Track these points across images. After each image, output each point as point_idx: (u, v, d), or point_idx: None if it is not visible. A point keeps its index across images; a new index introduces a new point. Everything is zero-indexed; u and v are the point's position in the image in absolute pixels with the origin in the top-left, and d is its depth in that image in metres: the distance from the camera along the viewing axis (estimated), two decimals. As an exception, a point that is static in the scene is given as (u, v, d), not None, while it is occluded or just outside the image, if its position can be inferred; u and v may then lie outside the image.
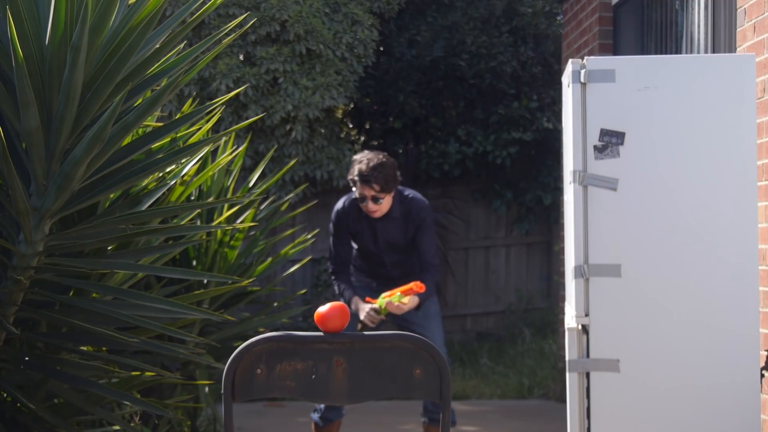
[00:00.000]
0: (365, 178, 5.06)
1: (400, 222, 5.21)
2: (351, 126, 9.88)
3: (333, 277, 5.32)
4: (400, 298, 5.01)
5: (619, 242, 3.81)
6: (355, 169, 5.11)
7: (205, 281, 4.58)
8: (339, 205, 5.30)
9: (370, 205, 5.12)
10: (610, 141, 3.81)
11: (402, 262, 5.28)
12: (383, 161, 5.09)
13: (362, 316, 5.05)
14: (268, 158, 5.28)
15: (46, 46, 3.15)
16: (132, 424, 4.04)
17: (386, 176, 5.07)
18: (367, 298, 5.15)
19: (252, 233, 5.07)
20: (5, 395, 3.61)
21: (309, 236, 5.63)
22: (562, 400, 6.29)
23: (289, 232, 5.69)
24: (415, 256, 5.27)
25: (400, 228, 5.21)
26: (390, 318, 5.28)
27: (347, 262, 5.33)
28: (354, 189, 5.17)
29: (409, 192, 5.29)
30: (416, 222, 5.20)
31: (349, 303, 5.16)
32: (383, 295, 5.06)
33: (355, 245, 5.34)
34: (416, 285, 5.01)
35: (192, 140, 3.67)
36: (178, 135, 3.52)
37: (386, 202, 5.15)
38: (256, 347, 2.65)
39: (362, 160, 5.12)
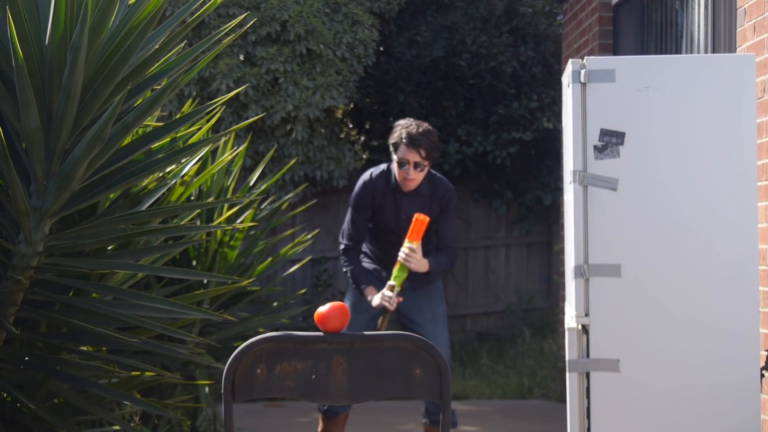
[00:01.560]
0: (415, 141, 4.90)
1: (427, 199, 5.06)
2: (351, 126, 9.88)
3: (344, 256, 5.15)
4: (408, 245, 4.87)
5: (619, 242, 3.81)
6: (403, 132, 4.94)
7: (205, 281, 4.58)
8: (366, 176, 5.13)
9: (411, 172, 4.96)
10: (610, 141, 3.81)
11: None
12: (430, 128, 4.98)
13: (376, 303, 4.94)
14: (268, 158, 5.27)
15: (46, 46, 3.15)
16: (132, 424, 4.04)
17: (433, 143, 4.95)
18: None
19: (252, 233, 5.07)
20: (5, 395, 3.61)
21: (309, 236, 5.63)
22: (562, 400, 6.29)
23: (289, 232, 5.69)
24: (431, 243, 5.13)
25: (425, 205, 5.05)
26: (396, 319, 5.22)
27: (361, 241, 5.19)
28: (394, 154, 5.00)
29: (436, 173, 5.16)
30: (442, 203, 5.08)
31: (357, 281, 5.05)
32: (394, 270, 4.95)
33: (371, 226, 5.19)
34: (418, 215, 4.89)
35: (192, 140, 3.67)
36: (178, 135, 3.52)
37: (423, 173, 5.00)
38: (256, 347, 2.65)
39: (409, 124, 4.97)
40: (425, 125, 4.98)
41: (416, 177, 4.98)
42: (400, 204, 5.08)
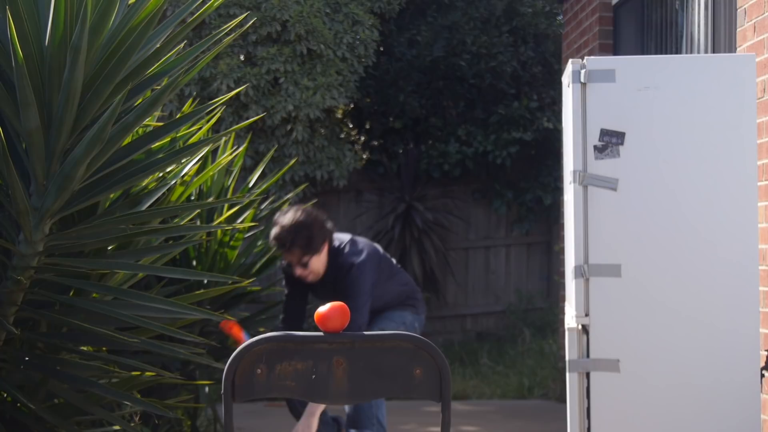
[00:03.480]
0: (282, 243, 4.51)
1: (336, 282, 4.67)
2: (351, 126, 9.88)
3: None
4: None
5: (619, 242, 3.81)
6: (271, 236, 4.56)
7: (205, 281, 4.58)
8: (284, 260, 4.80)
9: (299, 271, 4.62)
10: (610, 141, 3.81)
11: None
12: (301, 220, 4.49)
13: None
14: (268, 158, 5.27)
15: (46, 47, 3.15)
16: (132, 424, 4.04)
17: (308, 237, 4.49)
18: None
19: (252, 233, 5.07)
20: (5, 395, 3.61)
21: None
22: (562, 400, 6.29)
23: (289, 232, 5.67)
24: (376, 300, 4.73)
25: (338, 288, 4.65)
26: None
27: (297, 318, 4.86)
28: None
29: (346, 244, 4.70)
30: (344, 274, 4.62)
31: None
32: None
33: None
34: (223, 323, 4.37)
35: (192, 140, 3.67)
36: (178, 135, 3.52)
37: (317, 264, 4.61)
38: (256, 347, 2.65)
39: (277, 221, 4.55)
40: (296, 217, 4.51)
41: (309, 272, 4.63)
42: (315, 290, 4.82)
